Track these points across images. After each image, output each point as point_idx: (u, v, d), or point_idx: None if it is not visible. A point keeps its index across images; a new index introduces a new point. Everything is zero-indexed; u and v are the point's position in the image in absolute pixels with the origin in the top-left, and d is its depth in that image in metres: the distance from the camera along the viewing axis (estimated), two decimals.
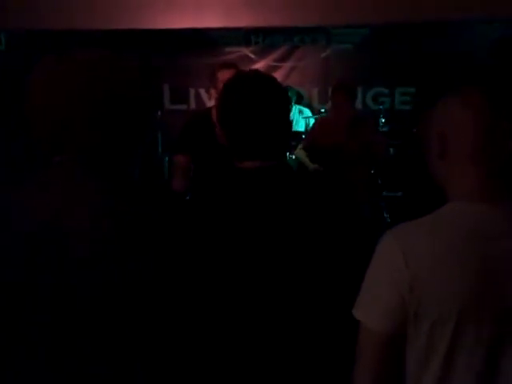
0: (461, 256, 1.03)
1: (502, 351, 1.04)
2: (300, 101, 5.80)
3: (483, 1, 4.32)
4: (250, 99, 1.33)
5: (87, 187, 1.08)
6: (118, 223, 1.04)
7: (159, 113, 5.53)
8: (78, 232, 1.03)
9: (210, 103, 3.94)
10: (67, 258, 1.03)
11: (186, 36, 5.48)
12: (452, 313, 1.02)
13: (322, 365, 1.31)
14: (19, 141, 3.53)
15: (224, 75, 2.98)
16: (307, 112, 5.67)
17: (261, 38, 6.04)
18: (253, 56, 6.09)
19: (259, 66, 5.87)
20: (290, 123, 1.44)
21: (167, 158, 5.39)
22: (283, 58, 6.09)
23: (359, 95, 5.77)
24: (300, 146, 4.46)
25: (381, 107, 5.61)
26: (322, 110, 5.63)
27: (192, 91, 6.16)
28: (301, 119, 5.56)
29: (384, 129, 5.29)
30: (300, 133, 5.08)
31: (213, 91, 3.15)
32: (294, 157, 4.61)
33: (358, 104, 5.67)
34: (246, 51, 6.08)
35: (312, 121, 5.32)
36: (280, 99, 1.38)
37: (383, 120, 5.40)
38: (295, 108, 5.52)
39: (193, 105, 6.20)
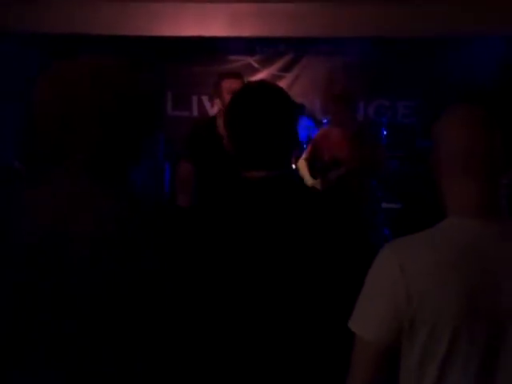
0: (457, 269, 1.07)
1: (496, 358, 1.07)
2: (302, 111, 5.81)
3: (484, 17, 4.37)
4: (257, 110, 1.35)
5: (92, 192, 1.09)
6: (123, 228, 1.05)
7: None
8: (82, 236, 1.04)
9: (213, 110, 3.94)
10: (72, 262, 1.03)
11: (189, 44, 5.49)
12: (448, 325, 1.06)
13: (317, 371, 1.32)
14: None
15: (228, 84, 2.99)
16: (309, 123, 5.68)
17: (265, 47, 6.04)
18: (256, 65, 6.09)
19: (263, 75, 5.89)
20: (297, 134, 1.46)
21: (168, 165, 5.39)
22: (287, 68, 6.10)
23: (361, 107, 5.79)
24: (302, 157, 4.46)
25: (383, 119, 5.62)
26: (325, 121, 5.64)
27: (195, 98, 6.17)
28: (303, 130, 5.56)
29: (386, 141, 5.30)
30: (302, 143, 5.08)
31: (217, 100, 3.15)
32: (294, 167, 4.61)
33: (360, 116, 5.68)
34: (250, 60, 6.08)
35: (314, 132, 5.33)
36: (287, 110, 1.39)
37: (385, 132, 5.41)
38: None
39: (195, 112, 6.20)
